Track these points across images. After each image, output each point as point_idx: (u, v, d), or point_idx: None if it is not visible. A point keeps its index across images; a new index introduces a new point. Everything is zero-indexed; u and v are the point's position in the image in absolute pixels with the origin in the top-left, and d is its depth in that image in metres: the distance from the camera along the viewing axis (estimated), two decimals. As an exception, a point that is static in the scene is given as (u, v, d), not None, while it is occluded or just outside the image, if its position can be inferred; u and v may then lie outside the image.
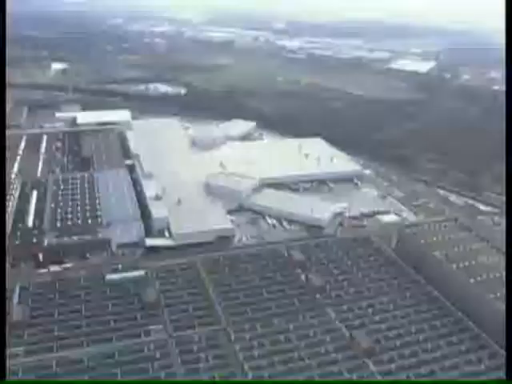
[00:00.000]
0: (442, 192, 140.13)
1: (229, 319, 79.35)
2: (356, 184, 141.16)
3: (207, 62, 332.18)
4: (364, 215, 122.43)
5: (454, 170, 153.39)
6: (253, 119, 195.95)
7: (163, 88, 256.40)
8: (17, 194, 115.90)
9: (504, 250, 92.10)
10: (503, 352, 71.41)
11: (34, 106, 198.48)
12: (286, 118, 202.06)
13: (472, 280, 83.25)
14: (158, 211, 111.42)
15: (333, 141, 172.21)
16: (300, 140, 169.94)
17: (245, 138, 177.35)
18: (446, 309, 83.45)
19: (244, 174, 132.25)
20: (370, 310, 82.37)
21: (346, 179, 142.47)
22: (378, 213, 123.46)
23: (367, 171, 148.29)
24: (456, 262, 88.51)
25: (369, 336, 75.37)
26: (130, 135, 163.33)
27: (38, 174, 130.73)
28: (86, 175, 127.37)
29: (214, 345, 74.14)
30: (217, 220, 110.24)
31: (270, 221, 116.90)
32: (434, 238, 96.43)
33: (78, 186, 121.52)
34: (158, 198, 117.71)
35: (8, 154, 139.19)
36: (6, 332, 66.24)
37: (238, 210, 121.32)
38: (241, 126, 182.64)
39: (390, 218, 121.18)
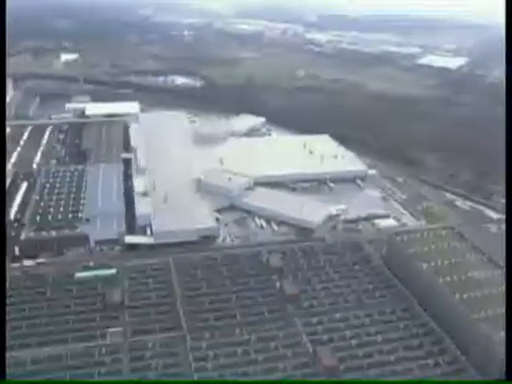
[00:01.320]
0: (448, 195, 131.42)
1: (190, 326, 75.55)
2: (358, 185, 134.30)
3: (231, 54, 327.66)
4: (361, 219, 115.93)
5: (467, 173, 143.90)
6: (265, 114, 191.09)
7: (180, 80, 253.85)
8: (7, 186, 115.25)
9: (499, 262, 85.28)
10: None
11: (46, 96, 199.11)
12: (299, 114, 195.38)
13: (457, 296, 76.11)
14: (141, 208, 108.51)
15: (342, 138, 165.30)
16: (307, 137, 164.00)
17: (252, 133, 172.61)
18: (427, 326, 76.87)
19: (239, 172, 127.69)
20: (341, 325, 76.71)
21: (349, 179, 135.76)
22: (376, 216, 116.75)
23: (372, 171, 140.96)
24: (443, 275, 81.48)
25: (334, 353, 69.99)
26: (133, 128, 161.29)
27: (34, 166, 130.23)
28: (79, 168, 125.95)
29: (167, 353, 70.49)
30: (201, 219, 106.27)
31: (258, 221, 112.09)
32: (425, 248, 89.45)
33: (68, 179, 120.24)
34: (145, 194, 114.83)
35: (10, 144, 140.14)
36: (5, 332, 64.32)
37: (228, 208, 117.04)
38: (249, 121, 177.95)
39: (387, 222, 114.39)
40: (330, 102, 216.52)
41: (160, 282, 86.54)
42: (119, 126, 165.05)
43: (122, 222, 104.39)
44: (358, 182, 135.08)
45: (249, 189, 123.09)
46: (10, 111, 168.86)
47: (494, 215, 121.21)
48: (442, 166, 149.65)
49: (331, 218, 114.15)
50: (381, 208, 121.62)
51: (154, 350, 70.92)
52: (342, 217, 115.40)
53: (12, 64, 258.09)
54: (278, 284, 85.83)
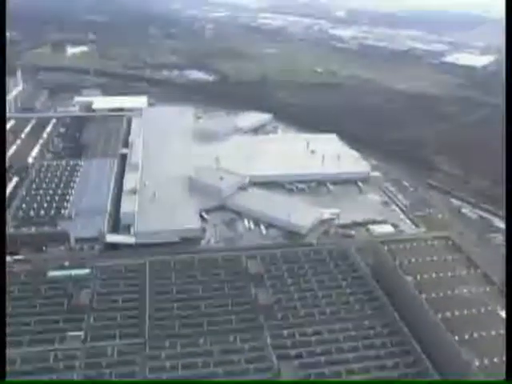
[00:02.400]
0: (456, 202, 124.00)
1: (153, 333, 72.17)
2: (359, 187, 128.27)
3: (250, 49, 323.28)
4: (356, 224, 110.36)
5: (482, 179, 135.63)
6: (274, 111, 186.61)
7: (195, 75, 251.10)
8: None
9: (494, 278, 78.95)
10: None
11: (57, 89, 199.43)
12: (310, 112, 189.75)
13: (439, 315, 70.14)
14: (126, 206, 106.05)
15: (352, 138, 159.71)
16: (312, 136, 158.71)
17: (257, 130, 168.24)
18: (406, 345, 71.18)
19: (235, 170, 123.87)
20: (313, 339, 71.86)
21: (350, 181, 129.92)
22: (373, 222, 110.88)
23: (376, 173, 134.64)
24: (427, 290, 75.52)
25: (299, 370, 65.39)
26: (135, 123, 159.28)
27: (29, 160, 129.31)
28: (71, 163, 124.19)
29: (124, 361, 67.28)
30: (186, 220, 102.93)
31: (247, 223, 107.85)
32: (413, 259, 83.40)
33: (59, 174, 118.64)
34: (133, 191, 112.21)
35: (10, 137, 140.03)
36: (5, 332, 62.76)
37: (218, 208, 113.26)
38: (255, 117, 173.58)
39: (383, 228, 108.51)
40: (346, 99, 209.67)
41: (132, 284, 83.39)
42: (123, 121, 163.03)
43: (105, 220, 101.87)
44: (359, 184, 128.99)
45: (242, 188, 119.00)
46: (16, 104, 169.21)
47: (502, 226, 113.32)
48: (455, 171, 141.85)
49: (323, 222, 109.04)
50: (380, 213, 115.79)
51: (112, 357, 67.84)
52: (336, 221, 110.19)
53: (30, 56, 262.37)
54: (253, 292, 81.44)
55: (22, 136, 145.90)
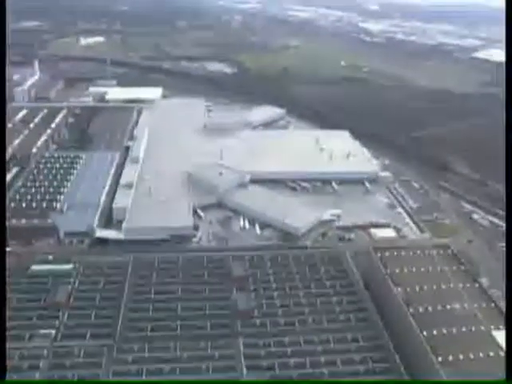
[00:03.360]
0: (467, 206, 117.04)
1: (124, 335, 69.84)
2: (366, 188, 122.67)
3: (275, 41, 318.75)
4: (357, 226, 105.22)
5: (499, 183, 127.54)
6: (290, 106, 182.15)
7: (214, 67, 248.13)
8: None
9: (492, 293, 73.24)
10: None
11: (73, 79, 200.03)
12: (327, 107, 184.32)
13: (425, 333, 65.03)
14: (119, 200, 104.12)
15: (367, 135, 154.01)
16: (325, 132, 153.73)
17: (269, 125, 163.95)
18: (388, 362, 66.36)
19: (238, 166, 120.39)
20: (289, 350, 67.95)
21: (357, 181, 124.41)
22: (375, 225, 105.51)
23: (386, 173, 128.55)
24: (416, 304, 70.32)
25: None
26: (144, 115, 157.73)
27: (34, 150, 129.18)
28: (73, 155, 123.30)
29: (88, 363, 65.15)
30: (178, 217, 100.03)
31: (242, 222, 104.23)
32: (406, 269, 78.14)
33: (58, 166, 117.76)
34: (129, 185, 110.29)
35: (19, 127, 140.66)
36: (6, 332, 62.27)
37: (216, 205, 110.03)
38: (268, 112, 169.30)
39: (385, 232, 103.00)
40: (366, 95, 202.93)
41: (112, 282, 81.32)
42: (133, 112, 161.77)
43: (96, 214, 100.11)
44: (367, 184, 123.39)
45: (241, 186, 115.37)
46: (30, 93, 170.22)
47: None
48: (472, 173, 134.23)
49: (322, 223, 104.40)
50: (384, 216, 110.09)
51: (77, 358, 65.86)
52: (336, 223, 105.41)
53: (55, 46, 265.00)
54: (234, 296, 78.06)
55: (31, 126, 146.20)
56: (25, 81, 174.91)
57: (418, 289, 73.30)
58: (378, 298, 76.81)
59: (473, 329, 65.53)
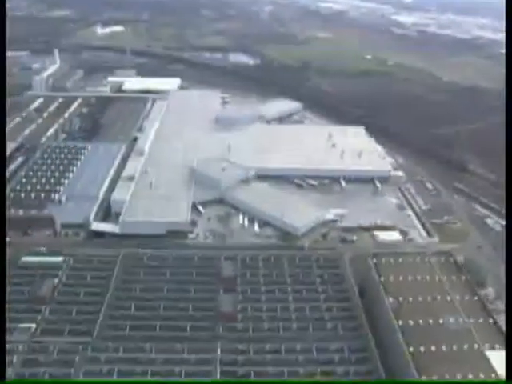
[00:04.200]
0: (481, 210, 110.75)
1: (101, 333, 68.48)
2: (376, 187, 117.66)
3: (303, 33, 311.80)
4: (361, 228, 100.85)
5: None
6: (308, 99, 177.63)
7: (237, 58, 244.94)
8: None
9: (493, 307, 68.35)
10: None
11: (93, 68, 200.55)
12: (346, 102, 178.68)
13: (411, 349, 60.85)
14: (118, 193, 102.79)
15: (382, 132, 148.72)
16: (339, 128, 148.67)
17: (283, 119, 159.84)
18: (371, 376, 62.70)
19: (245, 161, 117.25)
20: (268, 357, 65.08)
21: (368, 180, 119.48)
22: (381, 227, 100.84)
23: (398, 173, 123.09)
24: (407, 316, 66.07)
25: (240, 393, 59.30)
26: (156, 106, 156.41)
27: (43, 139, 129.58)
28: (79, 146, 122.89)
29: (61, 361, 64.02)
30: (175, 212, 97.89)
31: (241, 219, 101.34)
32: (401, 277, 73.76)
33: (63, 157, 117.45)
34: (131, 178, 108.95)
35: (33, 116, 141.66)
36: (5, 333, 62.49)
37: (216, 201, 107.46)
38: (283, 106, 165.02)
39: (390, 235, 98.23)
40: (388, 89, 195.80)
41: (98, 277, 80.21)
42: (147, 103, 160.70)
43: (94, 206, 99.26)
44: (377, 183, 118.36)
45: (245, 182, 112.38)
46: (48, 82, 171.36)
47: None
48: (490, 175, 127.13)
49: (324, 223, 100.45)
50: (391, 217, 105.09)
51: (51, 356, 64.87)
52: (339, 224, 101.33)
53: (79, 35, 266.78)
54: (219, 298, 75.54)
55: (45, 115, 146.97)
56: (44, 70, 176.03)
57: (411, 299, 68.96)
58: (370, 307, 72.91)
59: (465, 347, 60.96)
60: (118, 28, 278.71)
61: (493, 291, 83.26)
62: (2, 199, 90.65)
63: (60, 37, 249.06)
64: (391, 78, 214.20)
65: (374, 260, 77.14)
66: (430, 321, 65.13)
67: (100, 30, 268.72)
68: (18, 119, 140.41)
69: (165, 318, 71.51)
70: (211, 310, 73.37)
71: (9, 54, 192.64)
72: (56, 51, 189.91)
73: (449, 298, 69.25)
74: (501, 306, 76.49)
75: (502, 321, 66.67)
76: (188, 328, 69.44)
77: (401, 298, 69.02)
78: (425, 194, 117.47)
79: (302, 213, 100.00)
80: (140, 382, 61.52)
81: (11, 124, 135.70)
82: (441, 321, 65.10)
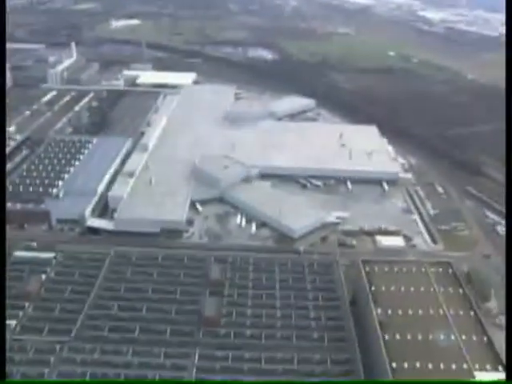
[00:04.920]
0: (493, 216, 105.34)
1: (80, 333, 67.35)
2: (383, 189, 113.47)
3: (327, 29, 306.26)
4: (363, 232, 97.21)
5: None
6: (324, 96, 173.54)
7: (257, 53, 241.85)
8: (7, 152, 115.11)
9: (490, 322, 64.28)
10: None
11: (110, 62, 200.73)
12: (363, 100, 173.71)
13: (394, 365, 57.43)
14: (117, 189, 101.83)
15: (397, 132, 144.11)
16: (352, 127, 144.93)
17: (296, 116, 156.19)
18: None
19: (250, 159, 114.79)
20: (246, 367, 62.62)
21: (375, 181, 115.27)
22: (384, 232, 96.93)
23: (407, 175, 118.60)
24: (393, 330, 62.48)
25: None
26: (168, 101, 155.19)
27: (50, 133, 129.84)
28: (84, 140, 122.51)
29: (36, 360, 63.16)
30: (171, 210, 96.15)
31: (239, 219, 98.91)
32: (393, 288, 70.13)
33: (66, 150, 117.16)
34: (130, 174, 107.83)
35: (43, 109, 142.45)
36: (5, 333, 62.63)
37: (216, 200, 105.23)
38: (295, 103, 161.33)
39: (392, 240, 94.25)
40: (409, 87, 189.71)
41: (86, 275, 79.28)
42: (159, 98, 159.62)
43: (91, 202, 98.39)
44: (385, 185, 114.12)
45: (246, 180, 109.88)
46: (62, 76, 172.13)
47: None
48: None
49: (325, 226, 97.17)
50: (396, 222, 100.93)
51: (27, 355, 64.15)
52: (341, 227, 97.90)
53: (100, 29, 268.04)
54: (204, 301, 73.45)
55: (56, 108, 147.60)
56: (60, 63, 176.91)
57: (400, 312, 65.31)
58: (359, 318, 69.63)
59: (453, 366, 57.19)
60: (134, 21, 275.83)
61: (496, 305, 78.84)
62: (1, 197, 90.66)
63: (82, 30, 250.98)
64: (413, 76, 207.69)
65: (367, 268, 73.52)
66: (419, 336, 61.43)
67: (114, 23, 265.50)
68: (27, 112, 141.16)
69: (146, 319, 69.97)
70: (194, 313, 71.41)
71: (25, 46, 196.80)
72: (73, 44, 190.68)
73: (442, 312, 65.32)
74: (502, 321, 72.31)
75: (498, 339, 62.48)
76: (168, 331, 67.65)
77: (390, 310, 65.44)
78: (434, 197, 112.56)
79: (300, 214, 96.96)
80: (140, 382, 60.43)
81: (20, 117, 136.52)
82: (430, 336, 61.38)
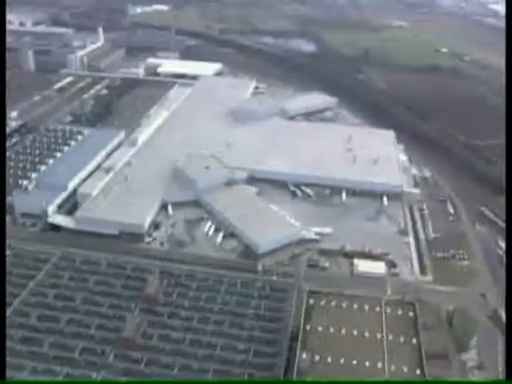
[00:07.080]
0: (503, 246, 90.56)
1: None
2: (382, 204, 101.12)
3: (380, 20, 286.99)
4: (342, 253, 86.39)
5: None
6: (352, 95, 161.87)
7: (295, 44, 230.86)
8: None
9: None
10: None
11: (135, 49, 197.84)
12: (392, 100, 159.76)
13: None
14: (87, 185, 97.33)
15: (419, 138, 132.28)
16: (367, 130, 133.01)
17: (311, 115, 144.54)
18: None
19: (240, 161, 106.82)
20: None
21: (375, 194, 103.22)
22: (367, 255, 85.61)
23: (413, 189, 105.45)
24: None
25: None
26: (177, 92, 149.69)
27: (50, 121, 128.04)
28: (75, 130, 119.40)
29: None
30: (135, 212, 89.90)
31: (207, 227, 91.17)
32: (333, 329, 60.19)
33: (53, 141, 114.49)
34: (108, 170, 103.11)
35: (53, 95, 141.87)
36: (5, 332, 61.19)
37: (193, 203, 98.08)
38: (314, 101, 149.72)
39: (372, 267, 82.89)
40: (448, 88, 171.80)
41: (24, 276, 75.32)
42: (171, 89, 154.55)
43: (60, 197, 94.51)
44: (384, 200, 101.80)
45: (228, 184, 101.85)
46: (83, 61, 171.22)
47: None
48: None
49: (299, 243, 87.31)
50: (385, 244, 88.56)
51: None
52: (318, 245, 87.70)
53: (138, 15, 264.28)
54: (128, 318, 67.00)
55: (67, 94, 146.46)
56: (83, 48, 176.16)
57: (330, 360, 55.40)
58: (290, 358, 60.31)
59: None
60: (161, 7, 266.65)
61: (476, 357, 66.55)
62: (1, 195, 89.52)
63: (121, 14, 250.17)
64: (459, 76, 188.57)
65: (311, 300, 63.84)
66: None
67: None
68: (37, 98, 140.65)
69: (61, 333, 64.77)
70: (114, 330, 65.21)
71: (52, 30, 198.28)
72: (100, 29, 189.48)
73: (380, 366, 54.67)
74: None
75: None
76: (79, 349, 61.94)
77: (317, 357, 55.74)
78: (440, 218, 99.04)
79: (273, 227, 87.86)
80: (140, 382, 58.09)
81: (27, 103, 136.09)
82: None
